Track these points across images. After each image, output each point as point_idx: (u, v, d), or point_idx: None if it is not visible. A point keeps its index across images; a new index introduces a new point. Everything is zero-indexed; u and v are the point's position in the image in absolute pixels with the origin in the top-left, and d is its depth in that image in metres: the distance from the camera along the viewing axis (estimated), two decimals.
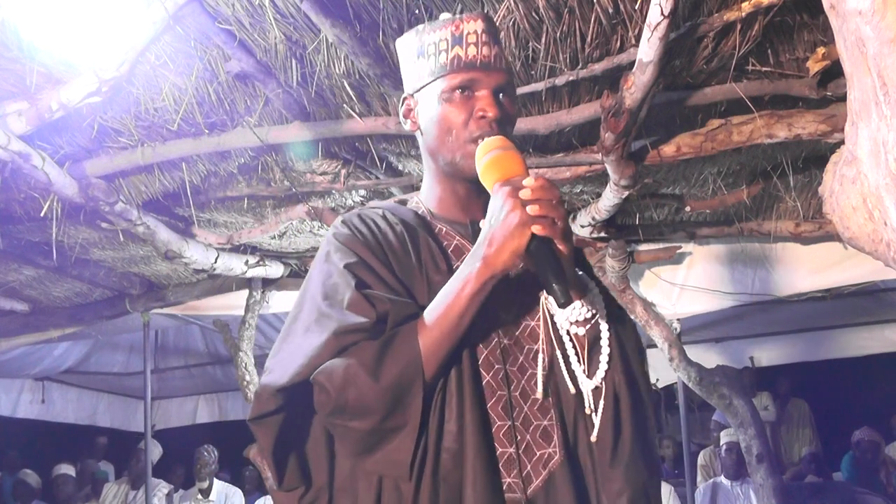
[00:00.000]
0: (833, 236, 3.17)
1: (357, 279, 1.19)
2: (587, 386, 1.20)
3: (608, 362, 1.20)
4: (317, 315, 1.17)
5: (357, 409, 1.11)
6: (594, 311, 1.20)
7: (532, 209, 1.08)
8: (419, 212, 1.33)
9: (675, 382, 4.74)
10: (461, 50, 1.23)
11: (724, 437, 4.99)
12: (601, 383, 1.20)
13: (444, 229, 1.30)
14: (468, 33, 1.24)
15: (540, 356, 1.21)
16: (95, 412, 6.93)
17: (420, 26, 1.31)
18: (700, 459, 5.88)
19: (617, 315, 1.26)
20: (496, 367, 1.20)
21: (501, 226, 1.09)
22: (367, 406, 1.10)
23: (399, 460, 1.12)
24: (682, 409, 4.61)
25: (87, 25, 2.13)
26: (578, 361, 1.21)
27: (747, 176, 3.16)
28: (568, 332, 1.22)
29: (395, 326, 1.15)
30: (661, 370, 4.89)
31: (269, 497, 4.81)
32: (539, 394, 1.20)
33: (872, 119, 1.24)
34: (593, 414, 1.20)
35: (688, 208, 3.30)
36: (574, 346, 1.21)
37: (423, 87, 1.28)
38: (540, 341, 1.22)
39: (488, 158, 1.16)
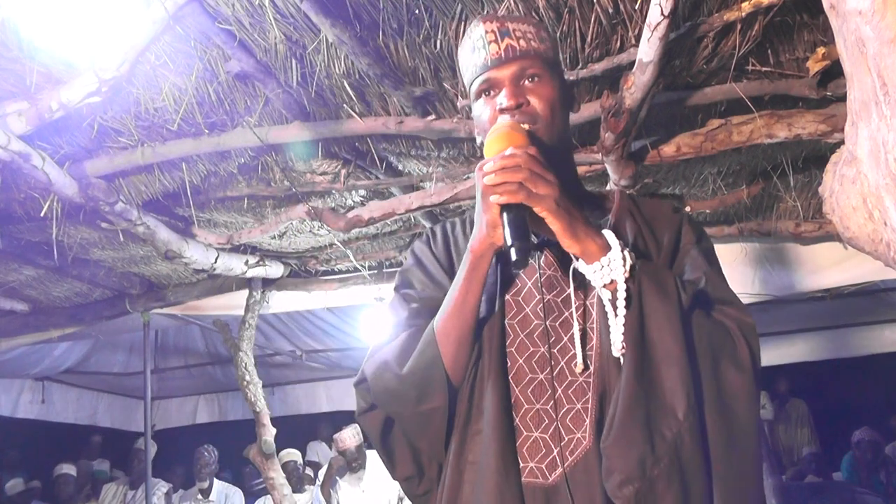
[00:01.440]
0: (833, 236, 3.18)
1: (402, 280, 1.35)
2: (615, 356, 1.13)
3: (623, 327, 1.11)
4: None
5: (392, 397, 1.22)
6: (613, 274, 1.13)
7: (489, 179, 1.11)
8: None
9: None
10: (478, 56, 1.28)
11: None
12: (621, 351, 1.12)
13: None
14: (478, 38, 1.28)
15: (575, 327, 1.18)
16: (95, 412, 6.93)
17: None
18: None
19: (650, 276, 1.14)
20: (532, 349, 1.20)
21: (477, 203, 1.16)
22: (397, 393, 1.21)
23: (438, 440, 1.21)
24: None
25: (87, 25, 2.13)
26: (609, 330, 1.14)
27: (747, 176, 3.16)
28: (601, 300, 1.16)
29: (428, 317, 1.24)
30: None
31: (268, 497, 4.81)
32: (579, 366, 1.16)
33: (872, 119, 1.23)
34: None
35: (688, 208, 3.30)
36: (606, 314, 1.14)
37: (469, 97, 1.34)
38: (572, 311, 1.19)
39: (486, 142, 1.19)
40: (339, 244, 3.78)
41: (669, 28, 1.86)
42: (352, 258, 3.93)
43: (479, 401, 1.18)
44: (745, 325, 1.16)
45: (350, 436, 4.72)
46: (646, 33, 1.90)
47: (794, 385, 6.63)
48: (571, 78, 2.28)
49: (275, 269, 4.05)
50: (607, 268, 1.12)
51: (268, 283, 4.22)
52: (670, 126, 2.64)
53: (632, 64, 2.09)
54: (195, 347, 6.32)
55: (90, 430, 7.05)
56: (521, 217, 1.11)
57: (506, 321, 1.23)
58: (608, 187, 2.76)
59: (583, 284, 1.21)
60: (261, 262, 3.93)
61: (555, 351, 1.19)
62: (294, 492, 4.66)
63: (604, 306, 1.14)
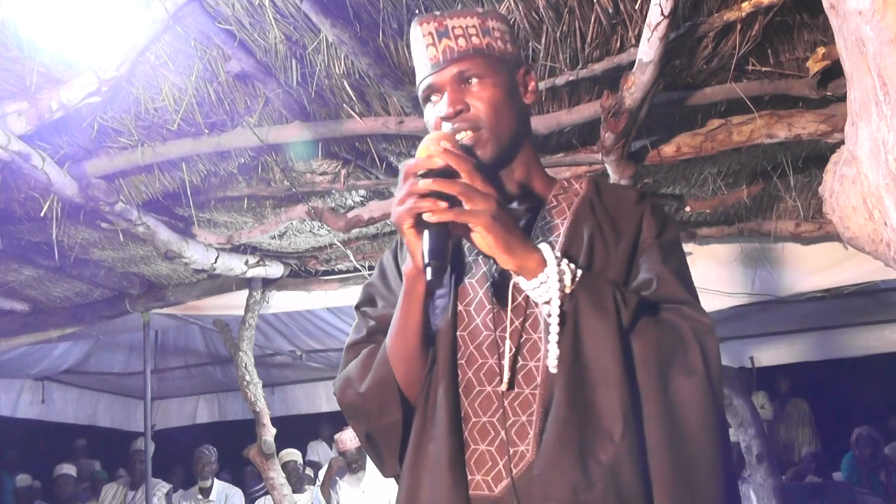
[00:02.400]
0: (833, 236, 3.18)
1: (363, 297, 1.35)
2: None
3: (557, 345, 1.08)
4: None
5: (356, 412, 1.26)
6: (550, 292, 1.10)
7: (397, 197, 1.09)
8: None
9: None
10: (420, 60, 1.25)
11: None
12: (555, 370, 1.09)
13: None
14: (418, 41, 1.25)
15: (507, 343, 1.15)
16: (95, 412, 6.93)
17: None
18: None
19: (588, 293, 1.10)
20: (481, 361, 1.18)
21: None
22: (360, 409, 1.25)
23: (395, 454, 1.23)
24: None
25: (87, 25, 2.13)
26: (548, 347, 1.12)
27: (747, 176, 3.16)
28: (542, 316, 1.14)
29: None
30: None
31: (268, 497, 4.81)
32: (503, 385, 1.14)
33: (872, 119, 1.23)
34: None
35: (688, 208, 3.30)
36: (547, 331, 1.11)
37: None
38: (507, 329, 1.16)
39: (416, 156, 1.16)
40: (339, 244, 3.78)
41: (669, 28, 1.86)
42: (352, 258, 3.93)
43: (432, 414, 1.17)
44: (699, 325, 1.12)
45: (351, 437, 4.72)
46: (646, 33, 1.90)
47: (794, 385, 6.63)
48: (571, 78, 2.28)
49: (275, 269, 4.05)
50: (545, 285, 1.09)
51: (268, 283, 4.22)
52: (670, 126, 2.64)
53: (632, 64, 2.09)
54: (195, 347, 6.32)
55: (90, 430, 7.04)
56: (441, 235, 1.07)
57: (457, 332, 1.21)
58: None
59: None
60: (261, 262, 3.93)
61: (503, 362, 1.16)
62: (294, 492, 4.66)
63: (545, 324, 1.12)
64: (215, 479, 5.61)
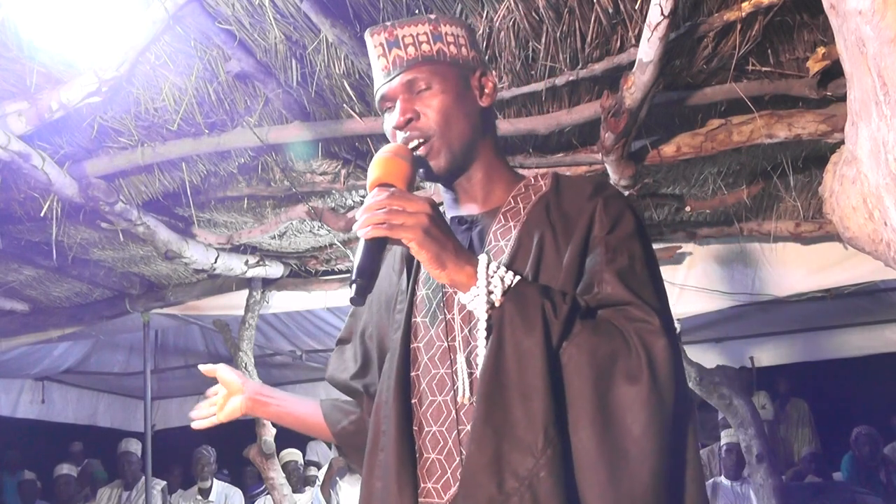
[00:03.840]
0: (833, 236, 3.18)
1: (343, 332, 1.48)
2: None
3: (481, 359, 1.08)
4: None
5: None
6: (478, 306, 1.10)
7: (357, 223, 1.10)
8: None
9: None
10: (375, 71, 1.28)
11: (724, 438, 4.99)
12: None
13: None
14: (371, 51, 1.27)
15: (459, 356, 1.15)
16: (95, 412, 6.92)
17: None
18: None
19: (516, 305, 1.08)
20: (433, 371, 1.19)
21: None
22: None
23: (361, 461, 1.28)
24: None
25: (87, 25, 2.13)
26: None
27: (747, 176, 3.16)
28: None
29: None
30: None
31: (268, 497, 4.81)
32: (464, 395, 1.13)
33: (872, 119, 1.23)
34: None
35: (688, 208, 3.30)
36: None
37: None
38: (456, 339, 1.17)
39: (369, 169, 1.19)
40: (339, 244, 3.78)
41: (669, 28, 1.86)
42: (352, 258, 3.92)
43: (386, 425, 1.19)
44: (644, 327, 1.07)
45: None
46: (646, 33, 1.90)
47: (794, 385, 6.63)
48: (571, 78, 2.28)
49: (275, 269, 4.05)
50: (478, 298, 1.09)
51: (268, 283, 4.22)
52: (670, 126, 2.64)
53: (632, 64, 2.09)
54: (195, 347, 6.32)
55: (90, 430, 7.04)
56: (372, 253, 1.08)
57: (413, 345, 1.22)
58: None
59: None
60: (261, 262, 3.93)
61: (451, 372, 1.17)
62: (294, 492, 4.65)
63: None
64: (214, 480, 5.61)
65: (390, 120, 1.26)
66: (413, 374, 1.21)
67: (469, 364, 1.15)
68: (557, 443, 1.02)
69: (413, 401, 1.20)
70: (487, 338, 1.08)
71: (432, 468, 1.15)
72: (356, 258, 1.07)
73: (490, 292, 1.08)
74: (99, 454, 7.23)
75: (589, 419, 1.03)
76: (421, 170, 1.23)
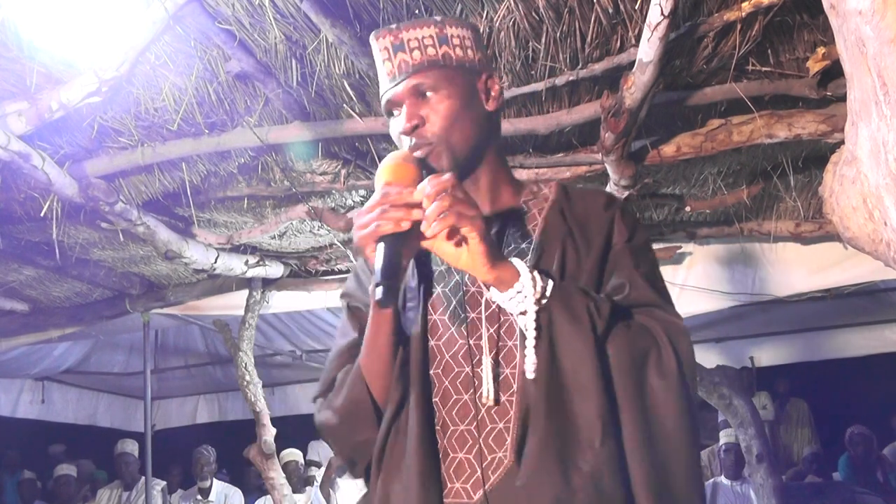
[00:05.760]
0: (833, 236, 3.17)
1: (348, 299, 1.33)
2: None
3: (534, 355, 1.09)
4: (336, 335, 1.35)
5: (332, 434, 1.26)
6: (525, 303, 1.10)
7: (361, 219, 1.08)
8: None
9: None
10: (381, 75, 1.27)
11: (724, 438, 4.99)
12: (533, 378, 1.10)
13: None
14: (377, 55, 1.26)
15: (484, 352, 1.15)
16: (95, 412, 6.92)
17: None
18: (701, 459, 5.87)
19: (562, 303, 1.11)
20: (457, 370, 1.18)
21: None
22: (334, 430, 1.24)
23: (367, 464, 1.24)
24: None
25: (87, 25, 2.13)
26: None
27: (747, 176, 3.16)
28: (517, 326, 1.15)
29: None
30: None
31: (268, 497, 4.81)
32: (489, 394, 1.14)
33: (872, 119, 1.24)
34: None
35: (688, 208, 3.30)
36: (523, 340, 1.13)
37: None
38: (482, 337, 1.17)
39: (376, 174, 1.16)
40: (339, 244, 3.78)
41: (669, 28, 1.86)
42: (352, 258, 3.93)
43: (404, 424, 1.17)
44: (672, 327, 1.15)
45: None
46: (646, 33, 1.90)
47: (794, 385, 6.63)
48: (571, 78, 2.28)
49: (275, 269, 4.05)
50: (520, 295, 1.09)
51: (268, 283, 4.22)
52: (670, 126, 2.64)
53: (632, 64, 2.09)
54: (195, 347, 6.32)
55: (90, 430, 7.04)
56: (395, 252, 1.05)
57: (431, 343, 1.20)
58: (608, 187, 2.76)
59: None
60: (261, 262, 3.93)
61: (478, 370, 1.16)
62: (295, 492, 4.66)
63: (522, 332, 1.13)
64: (214, 480, 5.61)
65: (397, 125, 1.25)
66: (433, 371, 1.19)
67: (497, 363, 1.16)
68: (613, 436, 1.07)
69: (435, 399, 1.18)
70: (539, 332, 1.09)
71: (460, 468, 1.14)
72: (378, 260, 1.05)
73: (535, 289, 1.09)
74: (99, 454, 7.24)
75: (632, 413, 1.09)
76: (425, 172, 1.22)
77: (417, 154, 1.20)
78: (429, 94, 1.22)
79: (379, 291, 1.04)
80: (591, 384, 1.07)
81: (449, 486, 1.14)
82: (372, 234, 1.06)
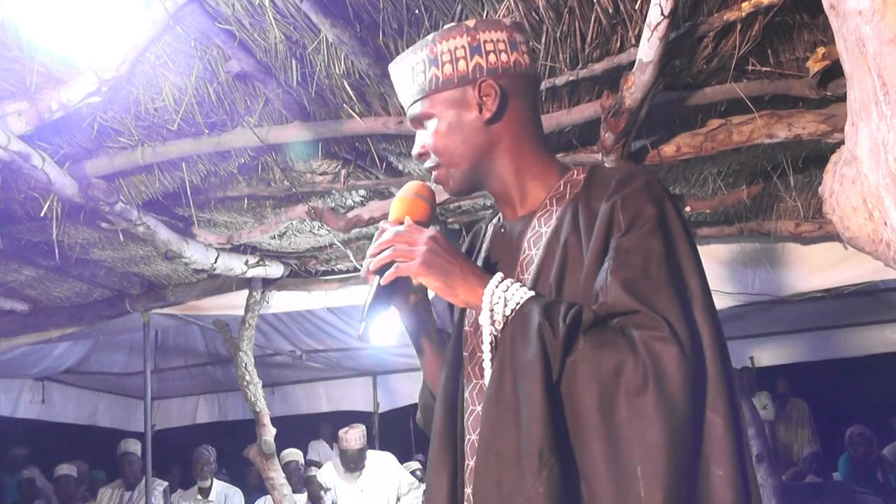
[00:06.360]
0: (833, 236, 3.18)
1: None
2: None
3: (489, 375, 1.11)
4: None
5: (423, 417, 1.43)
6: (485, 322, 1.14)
7: (369, 264, 1.19)
8: None
9: None
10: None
11: None
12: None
13: None
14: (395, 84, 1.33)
15: (486, 368, 1.15)
16: (95, 412, 6.93)
17: None
18: None
19: (518, 324, 1.09)
20: (474, 381, 1.22)
21: None
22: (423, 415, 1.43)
23: None
24: None
25: (87, 25, 2.13)
26: None
27: (747, 176, 3.16)
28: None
29: None
30: None
31: (268, 497, 4.81)
32: (462, 408, 1.22)
33: (872, 119, 1.23)
34: None
35: (688, 208, 3.30)
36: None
37: None
38: (485, 353, 1.16)
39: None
40: (339, 244, 3.78)
41: (669, 28, 1.86)
42: (352, 258, 3.93)
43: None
44: (652, 336, 1.01)
45: (355, 437, 4.71)
46: (646, 33, 1.90)
47: (794, 385, 6.63)
48: (571, 78, 2.28)
49: (275, 269, 4.05)
50: (483, 315, 1.13)
51: (268, 283, 4.22)
52: (670, 126, 2.64)
53: (632, 64, 2.09)
54: (195, 347, 6.32)
55: (90, 430, 7.04)
56: (383, 294, 1.17)
57: (464, 353, 1.26)
58: None
59: None
60: (261, 262, 3.93)
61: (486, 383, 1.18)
62: (295, 492, 4.66)
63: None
64: (214, 480, 5.61)
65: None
66: (463, 381, 1.25)
67: (477, 376, 1.22)
68: (554, 464, 1.00)
69: (459, 407, 1.23)
70: (492, 357, 1.12)
71: (471, 474, 1.16)
72: (368, 296, 1.17)
73: (492, 310, 1.12)
74: (99, 454, 7.24)
75: (593, 434, 1.00)
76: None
77: (433, 175, 1.29)
78: (425, 122, 1.27)
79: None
80: (533, 408, 1.01)
81: (466, 491, 1.18)
82: (372, 269, 1.17)
